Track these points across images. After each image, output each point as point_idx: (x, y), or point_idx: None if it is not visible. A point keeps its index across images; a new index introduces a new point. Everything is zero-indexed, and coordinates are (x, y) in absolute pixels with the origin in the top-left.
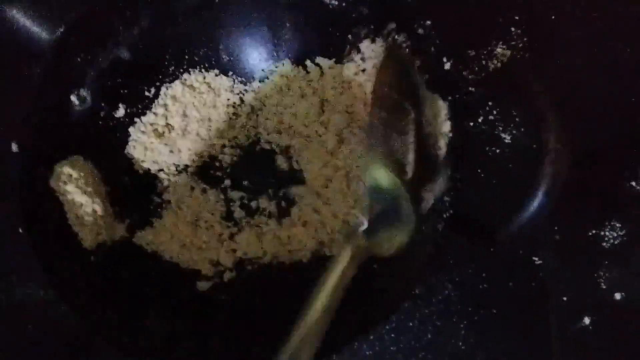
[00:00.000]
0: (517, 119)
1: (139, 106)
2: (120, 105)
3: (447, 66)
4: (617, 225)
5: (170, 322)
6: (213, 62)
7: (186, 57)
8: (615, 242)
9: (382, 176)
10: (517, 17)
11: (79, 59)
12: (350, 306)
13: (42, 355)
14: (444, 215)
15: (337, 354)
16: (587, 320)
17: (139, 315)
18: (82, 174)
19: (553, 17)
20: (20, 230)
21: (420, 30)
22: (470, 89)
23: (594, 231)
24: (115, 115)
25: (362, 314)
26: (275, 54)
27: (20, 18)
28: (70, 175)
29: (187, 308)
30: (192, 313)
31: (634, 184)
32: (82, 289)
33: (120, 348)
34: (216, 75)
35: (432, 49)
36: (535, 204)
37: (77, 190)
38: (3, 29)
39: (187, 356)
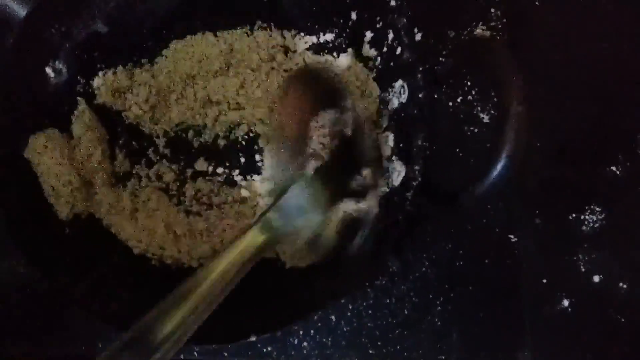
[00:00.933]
0: (495, 100)
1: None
2: (96, 77)
3: (419, 37)
4: (597, 209)
5: (140, 292)
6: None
7: (163, 31)
8: (595, 226)
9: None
10: None
11: (53, 30)
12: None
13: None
14: (413, 184)
15: (305, 322)
16: (566, 302)
17: (112, 285)
18: (57, 145)
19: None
20: None
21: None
22: (440, 59)
23: (573, 215)
24: (92, 88)
25: (335, 284)
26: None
27: None
28: (46, 147)
29: (156, 278)
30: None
31: (613, 168)
32: (56, 259)
33: (92, 314)
34: None
35: (405, 20)
36: (499, 167)
37: (51, 162)
38: None
39: None
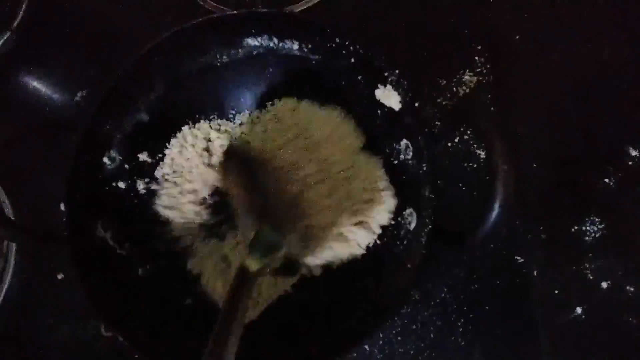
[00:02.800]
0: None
1: (158, 156)
2: (141, 156)
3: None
4: (596, 219)
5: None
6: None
7: (196, 115)
8: (597, 235)
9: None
10: (479, 47)
11: (107, 127)
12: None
13: None
14: (425, 230)
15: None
16: (579, 310)
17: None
18: None
19: (512, 39)
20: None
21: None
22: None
23: (575, 227)
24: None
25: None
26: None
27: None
28: None
29: None
30: None
31: (607, 180)
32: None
33: None
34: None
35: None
36: (493, 214)
37: None
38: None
39: None
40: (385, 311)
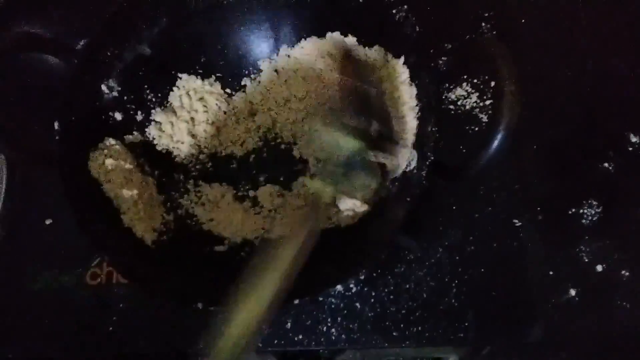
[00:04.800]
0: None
1: (159, 95)
2: (143, 94)
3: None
4: (594, 203)
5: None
6: (221, 62)
7: (199, 55)
8: (594, 219)
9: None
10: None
11: (108, 54)
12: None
13: None
14: (426, 163)
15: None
16: (572, 292)
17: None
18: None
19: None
20: None
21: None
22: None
23: (573, 210)
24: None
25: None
26: (276, 50)
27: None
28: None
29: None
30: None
31: (606, 164)
32: None
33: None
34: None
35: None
36: (496, 140)
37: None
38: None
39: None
40: (377, 247)
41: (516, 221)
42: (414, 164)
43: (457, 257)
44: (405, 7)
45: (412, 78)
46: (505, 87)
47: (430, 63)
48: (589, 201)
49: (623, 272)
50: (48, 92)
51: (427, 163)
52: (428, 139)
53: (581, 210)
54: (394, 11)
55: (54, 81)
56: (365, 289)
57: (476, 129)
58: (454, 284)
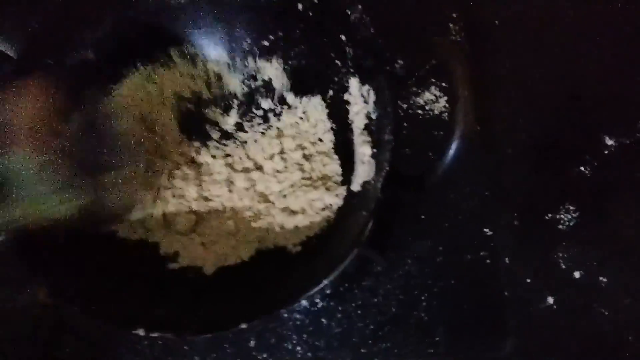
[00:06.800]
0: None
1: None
2: None
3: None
4: (571, 208)
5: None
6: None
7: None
8: (571, 224)
9: None
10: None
11: (49, 60)
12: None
13: None
14: (383, 174)
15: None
16: (550, 300)
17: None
18: None
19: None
20: None
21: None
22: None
23: (550, 215)
24: None
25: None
26: (231, 51)
27: None
28: None
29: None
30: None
31: (582, 168)
32: None
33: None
34: None
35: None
36: (454, 146)
37: None
38: None
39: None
40: (336, 259)
41: (487, 230)
42: (371, 175)
43: (427, 269)
44: (360, 7)
45: (369, 82)
46: (459, 92)
47: (386, 67)
48: (566, 206)
49: (601, 278)
50: None
51: (383, 174)
52: (384, 149)
53: (558, 216)
54: (348, 12)
55: None
56: (332, 303)
57: (442, 133)
58: (423, 297)
